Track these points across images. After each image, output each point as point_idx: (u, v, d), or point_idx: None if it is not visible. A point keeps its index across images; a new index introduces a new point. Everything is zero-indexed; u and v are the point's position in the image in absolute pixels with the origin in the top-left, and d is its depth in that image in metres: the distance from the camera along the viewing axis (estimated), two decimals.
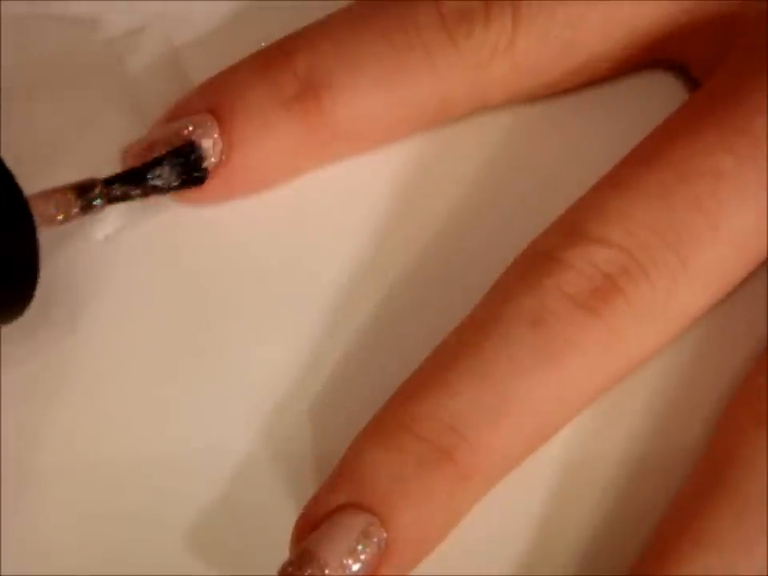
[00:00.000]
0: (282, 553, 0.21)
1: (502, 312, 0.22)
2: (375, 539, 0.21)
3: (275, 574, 0.21)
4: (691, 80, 0.26)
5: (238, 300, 0.25)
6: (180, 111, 0.24)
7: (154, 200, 0.25)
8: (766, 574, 0.20)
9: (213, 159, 0.24)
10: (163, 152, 0.24)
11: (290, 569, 0.21)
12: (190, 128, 0.24)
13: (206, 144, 0.24)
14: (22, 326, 0.25)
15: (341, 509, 0.21)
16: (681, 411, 0.24)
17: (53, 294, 0.25)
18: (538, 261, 0.22)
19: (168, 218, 0.26)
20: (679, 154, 0.22)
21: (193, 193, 0.24)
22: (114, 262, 0.26)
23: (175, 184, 0.24)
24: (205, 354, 0.25)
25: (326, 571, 0.20)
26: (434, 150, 0.26)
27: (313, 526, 0.21)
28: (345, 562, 0.21)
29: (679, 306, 0.22)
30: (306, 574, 0.20)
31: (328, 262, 0.26)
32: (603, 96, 0.26)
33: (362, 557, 0.21)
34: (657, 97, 0.24)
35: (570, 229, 0.22)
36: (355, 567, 0.21)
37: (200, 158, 0.24)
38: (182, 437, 0.24)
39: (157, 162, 0.24)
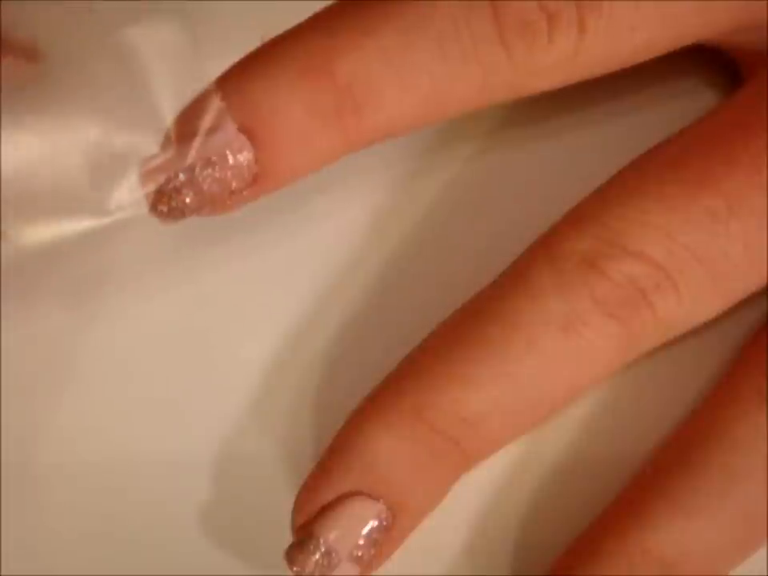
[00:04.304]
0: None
1: (532, 312, 0.21)
2: (385, 527, 0.21)
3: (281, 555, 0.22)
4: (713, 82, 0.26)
5: (233, 297, 0.26)
6: (204, 121, 0.22)
7: None
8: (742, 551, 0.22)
9: (247, 177, 0.22)
10: (192, 178, 0.22)
11: (299, 555, 0.21)
12: (227, 152, 0.22)
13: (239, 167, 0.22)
14: (23, 326, 0.25)
15: (352, 497, 0.21)
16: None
17: (53, 293, 0.25)
18: (573, 265, 0.22)
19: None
20: (734, 185, 0.22)
21: (218, 210, 0.23)
22: (112, 261, 0.26)
23: None
24: (205, 351, 0.25)
25: (335, 559, 0.21)
26: (437, 150, 0.26)
27: (318, 508, 0.22)
28: (355, 551, 0.21)
29: (695, 319, 0.22)
30: (316, 561, 0.21)
31: (327, 254, 0.26)
32: (613, 103, 0.26)
33: (370, 544, 0.21)
34: (667, 106, 0.25)
35: (611, 237, 0.22)
36: (363, 553, 0.21)
37: None
38: (184, 434, 0.24)
39: None
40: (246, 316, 0.25)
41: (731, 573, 0.22)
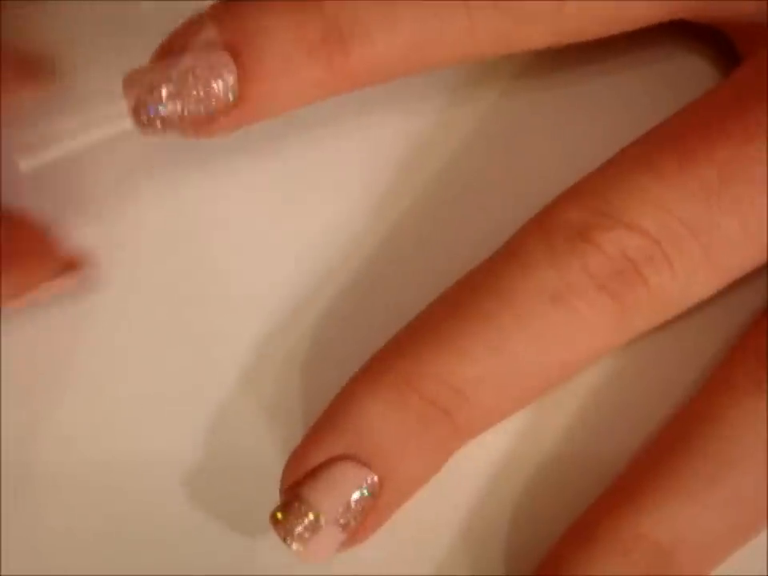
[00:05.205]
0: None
1: (525, 285, 0.22)
2: (372, 495, 0.22)
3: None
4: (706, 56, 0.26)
5: (222, 272, 0.26)
6: (192, 39, 0.23)
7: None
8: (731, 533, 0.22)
9: (229, 97, 0.23)
10: (173, 90, 0.22)
11: (285, 516, 0.22)
12: (207, 68, 0.22)
13: (222, 85, 0.23)
14: (22, 327, 0.25)
15: (340, 460, 0.22)
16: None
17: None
18: (566, 236, 0.22)
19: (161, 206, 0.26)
20: (727, 155, 0.22)
21: (201, 131, 0.23)
22: (111, 260, 0.26)
23: None
24: (200, 341, 0.25)
25: (322, 521, 0.21)
26: (439, 123, 0.26)
27: (306, 470, 0.22)
28: (341, 515, 0.21)
29: (690, 297, 0.22)
30: (303, 523, 0.21)
31: (321, 221, 0.26)
32: (613, 78, 0.26)
33: (357, 510, 0.22)
34: (660, 79, 0.25)
35: (604, 208, 0.22)
36: (349, 519, 0.22)
37: None
38: (185, 435, 0.25)
39: None
40: (244, 259, 0.26)
41: (731, 572, 0.22)
